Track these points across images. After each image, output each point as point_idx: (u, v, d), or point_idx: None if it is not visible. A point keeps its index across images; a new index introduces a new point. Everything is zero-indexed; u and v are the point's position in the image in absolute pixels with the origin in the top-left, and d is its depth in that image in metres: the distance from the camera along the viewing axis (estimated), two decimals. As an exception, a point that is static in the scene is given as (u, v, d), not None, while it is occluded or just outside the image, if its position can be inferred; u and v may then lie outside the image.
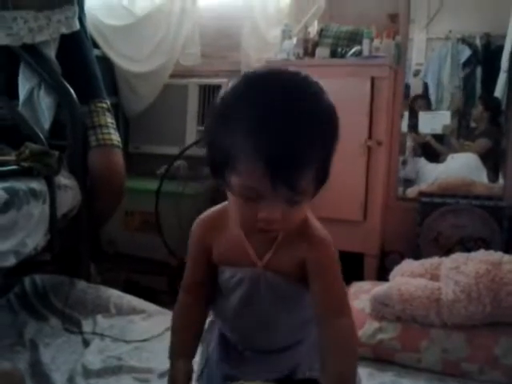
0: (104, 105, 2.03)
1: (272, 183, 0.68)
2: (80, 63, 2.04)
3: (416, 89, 2.90)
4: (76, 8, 1.95)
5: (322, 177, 0.74)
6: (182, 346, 0.88)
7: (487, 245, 2.04)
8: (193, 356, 0.88)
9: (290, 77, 0.73)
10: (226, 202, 0.80)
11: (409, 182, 2.68)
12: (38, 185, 1.64)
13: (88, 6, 2.24)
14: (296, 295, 0.84)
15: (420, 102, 2.88)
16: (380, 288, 1.64)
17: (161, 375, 1.40)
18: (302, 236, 0.80)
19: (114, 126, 2.03)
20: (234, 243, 0.82)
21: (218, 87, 2.66)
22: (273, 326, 0.87)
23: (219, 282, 0.87)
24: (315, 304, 0.81)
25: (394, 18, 2.50)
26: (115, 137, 1.99)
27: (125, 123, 2.81)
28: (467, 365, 1.49)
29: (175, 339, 0.89)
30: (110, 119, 2.02)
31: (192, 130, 2.66)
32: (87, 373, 1.40)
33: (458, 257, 1.67)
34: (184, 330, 0.89)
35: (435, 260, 1.74)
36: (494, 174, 2.58)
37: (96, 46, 2.53)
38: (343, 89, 2.25)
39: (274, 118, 0.67)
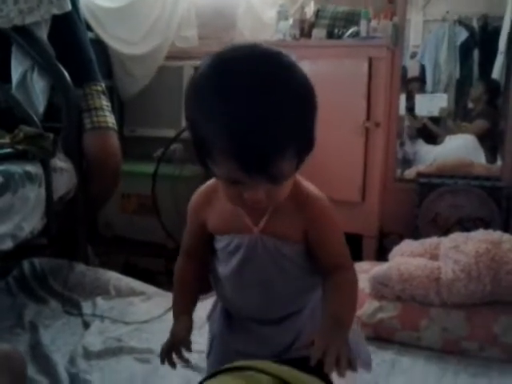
0: (99, 87, 2.01)
1: (248, 175, 0.68)
2: (73, 45, 2.00)
3: (413, 71, 2.88)
4: (67, -12, 1.91)
5: (304, 149, 0.73)
6: (182, 305, 0.91)
7: (486, 225, 2.05)
8: (191, 313, 0.91)
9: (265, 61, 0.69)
10: None
11: (407, 164, 2.68)
12: (33, 168, 1.62)
13: (79, -13, 2.20)
14: (293, 255, 0.84)
15: (416, 84, 2.87)
16: (380, 268, 1.64)
17: (161, 356, 1.40)
18: (296, 199, 0.81)
19: (110, 109, 2.01)
20: (229, 213, 0.83)
21: (213, 69, 2.63)
22: (272, 292, 0.86)
23: (217, 251, 0.89)
24: (318, 260, 0.83)
25: (391, -3, 2.47)
26: (110, 119, 1.98)
27: (120, 106, 2.78)
28: (467, 343, 1.50)
29: (175, 299, 0.93)
30: (105, 102, 2.00)
31: (188, 113, 2.64)
32: (88, 354, 1.40)
33: (457, 236, 1.67)
34: (182, 290, 0.93)
35: (434, 240, 1.74)
36: (491, 155, 2.58)
37: (90, 28, 2.49)
38: (340, 70, 2.23)
39: (244, 107, 0.64)
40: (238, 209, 0.80)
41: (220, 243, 0.87)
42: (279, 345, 0.90)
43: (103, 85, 2.04)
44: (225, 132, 0.65)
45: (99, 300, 1.71)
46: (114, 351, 1.42)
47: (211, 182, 0.88)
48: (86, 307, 1.67)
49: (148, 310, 1.67)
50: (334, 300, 0.80)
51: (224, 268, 0.87)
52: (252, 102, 0.65)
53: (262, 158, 0.66)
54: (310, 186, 0.85)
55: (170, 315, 1.62)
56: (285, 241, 0.82)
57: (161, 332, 1.53)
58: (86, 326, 1.58)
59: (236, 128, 0.65)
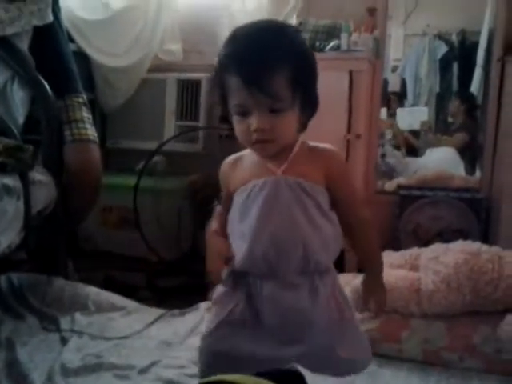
0: (80, 99, 2.00)
1: (249, 92, 0.83)
2: (54, 56, 1.99)
3: (394, 84, 2.92)
4: (49, 0, 1.91)
5: (300, 80, 0.86)
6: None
7: (465, 236, 2.07)
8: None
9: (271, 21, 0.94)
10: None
11: (387, 176, 2.70)
12: (11, 181, 1.60)
13: (63, 0, 2.19)
14: (316, 195, 0.91)
15: (395, 98, 2.91)
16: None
17: (141, 371, 1.38)
18: (313, 150, 0.94)
19: (91, 121, 2.00)
20: (252, 166, 0.94)
21: (196, 82, 2.63)
22: (293, 235, 0.89)
23: (237, 208, 0.93)
24: (341, 201, 0.94)
25: (371, 12, 2.51)
26: (91, 132, 1.96)
27: (102, 118, 2.76)
28: (447, 354, 1.51)
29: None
30: (86, 114, 1.98)
31: (170, 125, 2.63)
32: (66, 371, 1.38)
33: (437, 247, 1.69)
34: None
35: (414, 251, 1.75)
36: (471, 167, 2.62)
37: (72, 40, 2.48)
38: (322, 83, 2.19)
39: (249, 41, 0.85)
40: (260, 160, 0.92)
41: (242, 194, 0.92)
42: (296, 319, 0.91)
43: (84, 96, 2.03)
44: (233, 56, 0.85)
45: (78, 315, 1.68)
46: (93, 368, 1.39)
47: (233, 155, 1.00)
48: (65, 323, 1.64)
49: (128, 325, 1.65)
50: (361, 236, 0.97)
51: (245, 219, 0.91)
52: (253, 34, 0.86)
53: (258, 70, 0.83)
54: (324, 144, 0.96)
55: (151, 331, 1.63)
56: (307, 180, 0.90)
57: (141, 348, 1.52)
58: (64, 342, 1.54)
59: (239, 51, 0.85)
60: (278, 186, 0.89)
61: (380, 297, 1.04)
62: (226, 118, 0.93)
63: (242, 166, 0.96)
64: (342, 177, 0.94)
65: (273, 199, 0.89)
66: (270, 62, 0.84)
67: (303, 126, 0.94)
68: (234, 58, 0.85)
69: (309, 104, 0.91)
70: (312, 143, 0.96)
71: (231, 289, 0.95)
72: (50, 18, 1.90)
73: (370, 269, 1.04)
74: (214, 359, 0.93)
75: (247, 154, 0.96)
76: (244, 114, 0.87)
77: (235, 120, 0.89)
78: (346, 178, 0.96)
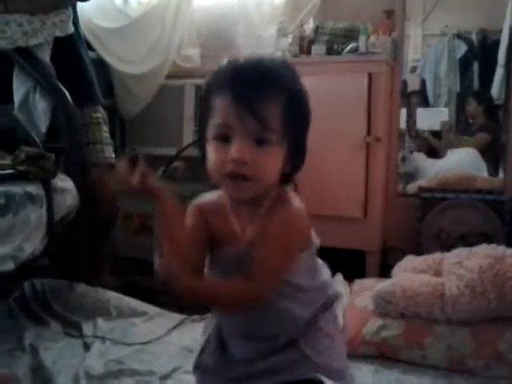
0: (99, 114, 2.04)
1: (237, 112, 0.75)
2: (75, 66, 2.03)
3: (413, 85, 2.89)
4: (70, 11, 1.94)
5: (289, 117, 0.78)
6: None
7: (489, 239, 2.03)
8: None
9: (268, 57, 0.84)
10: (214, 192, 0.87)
11: (409, 178, 2.67)
12: (34, 188, 1.62)
13: (81, 9, 2.22)
14: None
15: (416, 98, 2.87)
16: (383, 285, 1.62)
17: (163, 377, 1.39)
18: (280, 208, 0.81)
19: (109, 140, 2.06)
20: (220, 216, 0.84)
21: (214, 87, 2.64)
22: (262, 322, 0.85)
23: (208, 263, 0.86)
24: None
25: (389, 14, 2.49)
26: (109, 154, 2.03)
27: (121, 125, 2.79)
28: (473, 361, 1.47)
29: None
30: (104, 133, 2.05)
31: (189, 131, 2.64)
32: (90, 377, 1.39)
33: (460, 252, 1.66)
34: None
35: (437, 255, 1.72)
36: (493, 169, 2.57)
37: (91, 48, 2.51)
38: (340, 86, 2.23)
39: (243, 68, 0.78)
40: (228, 212, 0.83)
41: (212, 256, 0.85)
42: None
43: (102, 110, 2.07)
44: (226, 74, 0.79)
45: (100, 321, 1.69)
46: (116, 374, 1.40)
47: (200, 200, 0.90)
48: (87, 328, 1.66)
49: (150, 330, 1.66)
50: (217, 290, 0.79)
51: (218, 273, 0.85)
52: (253, 60, 0.79)
53: (253, 90, 0.75)
54: (294, 198, 0.83)
55: (172, 336, 1.63)
56: None
57: (162, 353, 1.53)
58: (87, 347, 1.56)
59: (235, 69, 0.79)
60: (241, 263, 0.80)
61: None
62: (200, 145, 0.83)
63: (214, 211, 0.86)
64: (271, 232, 0.78)
65: (238, 270, 0.80)
66: (267, 85, 0.76)
67: (286, 178, 0.83)
68: (228, 74, 0.78)
69: (297, 151, 0.81)
70: (285, 195, 0.82)
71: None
72: (72, 29, 1.94)
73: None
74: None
75: (210, 203, 0.87)
76: (224, 138, 0.77)
77: (211, 147, 0.79)
78: (272, 236, 0.78)
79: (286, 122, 0.78)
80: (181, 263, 0.77)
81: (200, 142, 0.84)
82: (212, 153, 0.78)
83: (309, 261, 0.87)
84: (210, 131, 0.79)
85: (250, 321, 0.87)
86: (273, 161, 0.78)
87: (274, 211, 0.80)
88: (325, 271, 0.93)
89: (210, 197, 0.89)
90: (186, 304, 0.85)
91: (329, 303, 0.91)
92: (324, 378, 0.86)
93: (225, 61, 0.82)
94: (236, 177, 0.76)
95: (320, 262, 0.92)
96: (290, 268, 0.82)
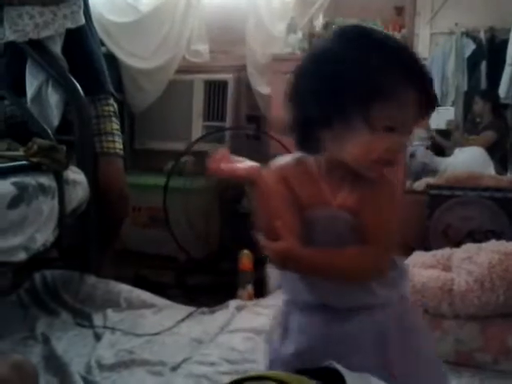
0: (110, 107, 2.04)
1: (419, 111, 0.78)
2: (86, 58, 2.03)
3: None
4: (81, 2, 1.94)
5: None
6: None
7: (497, 237, 2.02)
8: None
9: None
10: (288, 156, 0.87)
11: (416, 175, 2.67)
12: (46, 180, 1.64)
13: (92, 3, 2.23)
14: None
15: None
16: (391, 280, 1.62)
17: (173, 368, 1.40)
18: (383, 177, 0.83)
19: (119, 132, 2.07)
20: (306, 181, 0.85)
21: (223, 83, 2.65)
22: None
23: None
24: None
25: (399, 10, 2.50)
26: (119, 145, 2.04)
27: (130, 119, 2.81)
28: (481, 355, 1.48)
29: None
30: (115, 125, 2.05)
31: (198, 126, 2.66)
32: (101, 366, 1.40)
33: (469, 247, 1.66)
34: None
35: (446, 251, 1.73)
36: (501, 167, 2.57)
37: (101, 43, 2.53)
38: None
39: (402, 51, 0.79)
40: (318, 179, 0.84)
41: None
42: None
43: (114, 102, 2.07)
44: (409, 69, 0.77)
45: (110, 312, 1.71)
46: (127, 364, 1.41)
47: (288, 158, 0.88)
48: (97, 319, 1.67)
49: (159, 322, 1.67)
50: (339, 253, 0.80)
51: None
52: (417, 58, 0.80)
53: (431, 89, 0.79)
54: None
55: (181, 328, 1.64)
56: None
57: (172, 344, 1.54)
58: (98, 337, 1.57)
59: (417, 71, 0.78)
60: (332, 224, 0.82)
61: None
62: (326, 120, 0.79)
63: (299, 177, 0.85)
64: (375, 201, 0.82)
65: (325, 233, 0.82)
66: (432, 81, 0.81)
67: None
68: (409, 68, 0.78)
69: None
70: None
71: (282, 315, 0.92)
72: (83, 20, 1.94)
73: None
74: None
75: (296, 163, 0.86)
76: (390, 129, 0.78)
77: (370, 135, 0.78)
78: (377, 204, 0.82)
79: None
80: (289, 236, 0.77)
81: (328, 115, 0.79)
82: (369, 140, 0.78)
83: None
84: (378, 119, 0.77)
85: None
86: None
87: (372, 180, 0.82)
88: None
89: (285, 163, 0.88)
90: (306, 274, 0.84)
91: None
92: (342, 369, 0.87)
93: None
94: (385, 163, 0.80)
95: None
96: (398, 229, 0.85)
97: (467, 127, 2.88)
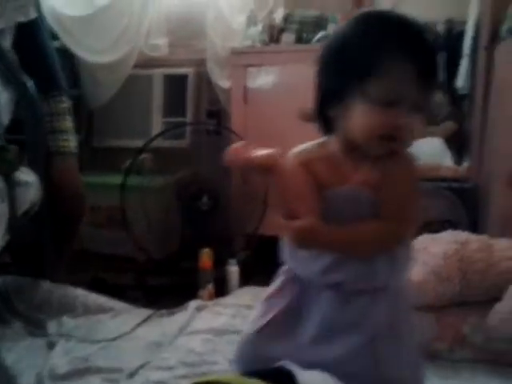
0: (65, 104, 1.98)
1: (416, 84, 0.78)
2: (38, 53, 1.96)
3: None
4: (32, -5, 1.87)
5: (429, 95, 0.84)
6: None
7: (454, 226, 2.06)
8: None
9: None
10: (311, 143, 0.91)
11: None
12: (-5, 182, 1.57)
13: (46, -3, 2.16)
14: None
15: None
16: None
17: (130, 374, 1.36)
18: (393, 155, 0.85)
19: (73, 130, 2.00)
20: (327, 163, 0.87)
21: (183, 77, 2.61)
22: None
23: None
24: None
25: (359, 3, 2.49)
26: (73, 143, 1.97)
27: (88, 116, 2.73)
28: (437, 344, 1.50)
29: None
30: (69, 123, 1.99)
31: (158, 122, 2.61)
32: (54, 376, 1.35)
33: (425, 238, 1.68)
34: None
35: (403, 243, 1.74)
36: (458, 157, 2.61)
37: (55, 37, 2.45)
38: (309, 74, 2.21)
39: (414, 32, 0.80)
40: (340, 158, 0.86)
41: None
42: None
43: (68, 99, 2.01)
44: (405, 41, 0.79)
45: (65, 319, 1.66)
46: (81, 372, 1.37)
47: (304, 148, 0.91)
48: (52, 327, 1.62)
49: (117, 326, 1.63)
50: (359, 228, 0.83)
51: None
52: (418, 30, 0.80)
53: (432, 63, 0.81)
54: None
55: (139, 332, 1.61)
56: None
57: (130, 349, 1.51)
58: (51, 346, 1.52)
59: (412, 38, 0.80)
60: (354, 202, 0.85)
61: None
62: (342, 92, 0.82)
63: (317, 160, 0.88)
64: (396, 180, 0.85)
65: (349, 215, 0.85)
66: (435, 57, 0.82)
67: None
68: (410, 42, 0.79)
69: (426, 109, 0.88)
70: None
71: (283, 285, 0.94)
72: (34, 13, 1.87)
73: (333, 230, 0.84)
74: (256, 361, 0.92)
75: (314, 147, 0.90)
76: (390, 104, 0.79)
77: (371, 109, 0.80)
78: (399, 183, 0.85)
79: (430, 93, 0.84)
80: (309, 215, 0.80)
81: (334, 93, 0.83)
82: (370, 115, 0.80)
83: None
84: (376, 92, 0.79)
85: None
86: (417, 125, 0.83)
87: (392, 157, 0.84)
88: None
89: (306, 147, 0.91)
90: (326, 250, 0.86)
91: None
92: (295, 369, 0.87)
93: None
94: (393, 140, 0.81)
95: None
96: (417, 211, 0.88)
97: (426, 118, 2.92)
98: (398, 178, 0.84)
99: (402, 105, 0.79)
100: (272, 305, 0.94)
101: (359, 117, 0.81)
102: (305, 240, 0.80)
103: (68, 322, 1.65)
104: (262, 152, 0.82)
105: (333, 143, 0.89)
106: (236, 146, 0.82)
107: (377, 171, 0.84)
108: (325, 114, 0.86)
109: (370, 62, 0.79)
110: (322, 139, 0.91)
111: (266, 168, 0.83)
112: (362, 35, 0.81)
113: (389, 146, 0.82)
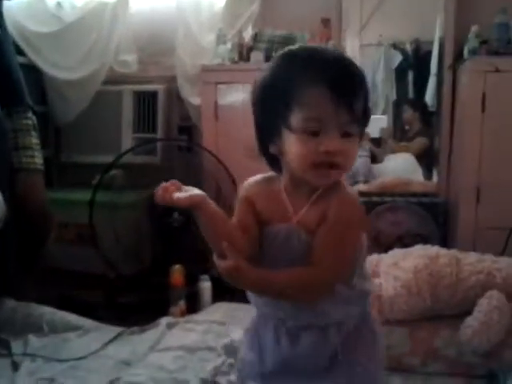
0: (29, 121, 1.93)
1: (335, 108, 0.77)
2: (2, 68, 1.92)
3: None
4: (-5, 10, 1.84)
5: (365, 117, 0.83)
6: None
7: (425, 240, 2.09)
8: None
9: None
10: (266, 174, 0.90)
11: (350, 183, 2.71)
12: (-44, 199, 1.52)
13: (11, 13, 2.12)
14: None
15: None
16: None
17: (98, 394, 1.32)
18: (334, 193, 0.83)
19: (39, 147, 1.95)
20: (271, 199, 0.87)
21: (153, 94, 2.60)
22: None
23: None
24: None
25: (326, 22, 2.54)
26: (38, 160, 1.92)
27: (56, 132, 2.68)
28: (409, 358, 1.50)
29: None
30: (34, 139, 1.93)
31: (127, 138, 2.58)
32: (16, 398, 1.30)
33: (396, 253, 1.69)
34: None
35: (375, 257, 1.75)
36: (428, 173, 2.67)
37: (21, 53, 2.41)
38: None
39: (330, 60, 0.80)
40: (282, 195, 0.86)
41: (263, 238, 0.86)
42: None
43: (33, 116, 1.96)
44: (317, 70, 0.79)
45: (31, 338, 1.59)
46: (46, 393, 1.32)
47: (257, 178, 0.91)
48: (16, 347, 1.55)
49: (85, 345, 1.58)
50: (286, 275, 0.81)
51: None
52: (335, 57, 0.81)
53: (349, 86, 0.79)
54: (351, 189, 0.88)
55: (109, 350, 1.56)
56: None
57: (98, 368, 1.46)
58: (16, 367, 1.46)
59: (327, 64, 0.79)
60: (290, 241, 0.84)
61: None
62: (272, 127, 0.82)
63: (264, 196, 0.88)
64: (334, 222, 0.81)
65: (284, 252, 0.84)
66: (355, 79, 0.80)
67: None
68: (317, 66, 0.79)
69: (366, 125, 0.86)
70: (342, 184, 0.85)
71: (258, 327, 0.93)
72: None
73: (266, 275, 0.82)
74: None
75: (264, 181, 0.90)
76: (314, 133, 0.79)
77: (298, 139, 0.79)
78: (335, 227, 0.81)
79: (364, 116, 0.83)
80: (241, 257, 0.79)
81: (268, 130, 0.84)
82: (299, 145, 0.80)
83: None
84: (297, 123, 0.79)
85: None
86: (355, 150, 0.82)
87: (331, 194, 0.83)
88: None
89: (255, 182, 0.91)
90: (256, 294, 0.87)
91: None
92: None
93: (288, 48, 0.85)
94: (327, 167, 0.80)
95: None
96: (355, 253, 0.85)
97: (397, 135, 2.98)
98: (334, 219, 0.81)
99: (330, 130, 0.78)
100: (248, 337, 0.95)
101: (291, 148, 0.81)
102: (231, 280, 0.78)
103: (34, 340, 1.58)
104: (186, 193, 0.79)
105: (280, 179, 0.88)
106: (165, 185, 0.79)
107: (316, 211, 0.83)
108: (267, 151, 0.86)
109: (289, 95, 0.79)
110: (269, 174, 0.91)
111: (189, 208, 0.81)
112: (282, 71, 0.82)
113: (327, 174, 0.80)
